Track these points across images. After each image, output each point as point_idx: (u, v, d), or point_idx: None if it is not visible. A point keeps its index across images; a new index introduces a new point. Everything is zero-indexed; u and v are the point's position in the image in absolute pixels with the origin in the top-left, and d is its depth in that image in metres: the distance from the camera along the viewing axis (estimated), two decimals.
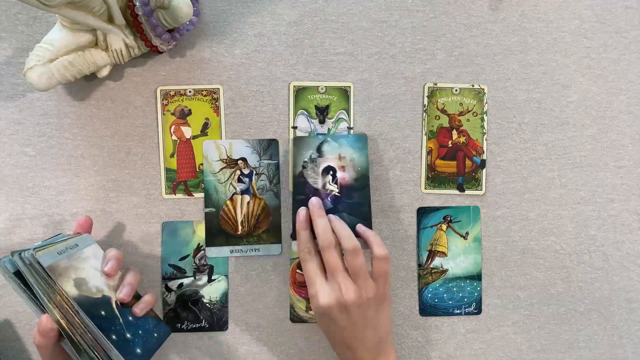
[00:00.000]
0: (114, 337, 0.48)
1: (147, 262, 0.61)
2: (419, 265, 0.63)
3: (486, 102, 0.64)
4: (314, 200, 0.57)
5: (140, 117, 0.62)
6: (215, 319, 0.62)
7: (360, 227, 0.58)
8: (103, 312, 0.49)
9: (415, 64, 0.64)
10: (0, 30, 0.61)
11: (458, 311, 0.63)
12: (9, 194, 0.61)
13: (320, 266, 0.54)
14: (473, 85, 0.64)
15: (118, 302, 0.52)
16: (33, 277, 0.47)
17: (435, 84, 0.63)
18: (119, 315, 0.51)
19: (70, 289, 0.48)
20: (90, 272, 0.51)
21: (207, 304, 0.62)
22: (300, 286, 0.62)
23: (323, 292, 0.52)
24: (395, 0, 0.64)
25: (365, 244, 0.56)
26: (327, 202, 0.62)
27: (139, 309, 0.53)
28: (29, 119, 0.61)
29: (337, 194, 0.62)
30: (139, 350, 0.50)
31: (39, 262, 0.46)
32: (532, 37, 0.64)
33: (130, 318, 0.52)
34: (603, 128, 0.65)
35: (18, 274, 0.47)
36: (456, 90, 0.63)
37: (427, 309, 0.63)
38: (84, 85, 0.61)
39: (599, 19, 0.65)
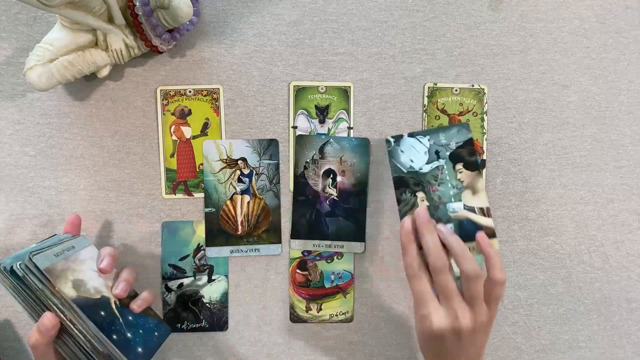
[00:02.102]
0: (114, 336, 0.48)
1: (147, 262, 0.61)
2: None
3: (486, 102, 0.64)
4: (422, 212, 0.51)
5: (140, 117, 0.62)
6: (215, 319, 0.62)
7: (483, 240, 0.51)
8: (102, 313, 0.49)
9: (415, 64, 0.64)
10: (0, 30, 0.61)
11: None
12: (9, 194, 0.61)
13: (431, 285, 0.50)
14: (473, 85, 0.64)
15: (117, 303, 0.52)
16: (30, 280, 0.46)
17: (435, 84, 0.63)
18: (118, 315, 0.51)
19: (68, 291, 0.47)
20: (88, 274, 0.51)
21: (207, 304, 0.62)
22: (300, 286, 0.62)
23: (438, 316, 0.48)
24: (395, 0, 0.64)
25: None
26: (325, 206, 0.62)
27: (137, 305, 0.53)
28: (29, 119, 0.61)
29: (335, 197, 0.62)
30: (140, 350, 0.50)
31: (35, 265, 0.46)
32: (532, 37, 0.64)
33: (130, 318, 0.52)
34: (603, 128, 0.65)
35: (13, 275, 0.47)
36: (456, 90, 0.63)
37: None
38: (84, 85, 0.61)
39: (599, 19, 0.65)
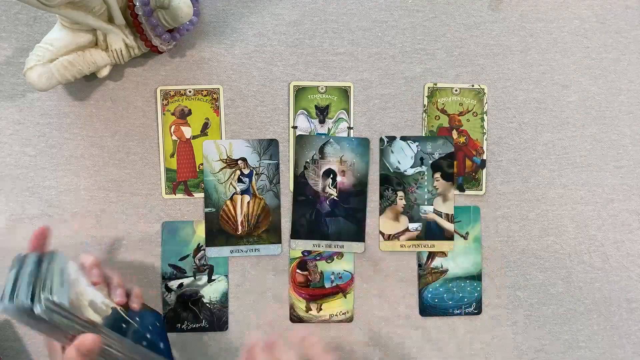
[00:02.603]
0: (144, 343, 0.47)
1: (147, 262, 0.61)
2: (419, 266, 0.63)
3: (486, 102, 0.64)
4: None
5: (140, 117, 0.62)
6: (215, 319, 0.62)
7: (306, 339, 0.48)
8: (123, 325, 0.47)
9: (415, 64, 0.64)
10: (0, 30, 0.61)
11: (458, 311, 0.63)
12: (9, 194, 0.61)
13: None
14: (473, 85, 0.64)
15: (122, 309, 0.49)
16: (57, 319, 0.43)
17: (435, 84, 0.63)
18: (132, 321, 0.49)
19: (93, 316, 0.45)
20: (90, 291, 0.48)
21: (207, 304, 0.62)
22: (300, 286, 0.62)
23: None
24: (395, 0, 0.64)
25: None
26: (325, 206, 0.62)
27: (136, 303, 0.51)
28: (29, 119, 0.61)
29: (335, 197, 0.62)
30: (162, 345, 0.50)
31: (60, 305, 0.43)
32: (532, 37, 0.64)
33: (138, 319, 0.50)
34: (603, 128, 0.65)
35: (33, 316, 0.43)
36: (456, 90, 0.63)
37: (427, 309, 0.63)
38: (84, 85, 0.61)
39: (599, 19, 0.65)
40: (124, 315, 0.49)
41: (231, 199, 0.62)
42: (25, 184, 0.61)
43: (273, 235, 0.62)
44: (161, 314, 0.54)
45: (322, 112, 0.63)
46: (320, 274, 0.62)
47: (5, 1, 0.61)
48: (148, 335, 0.49)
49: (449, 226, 0.62)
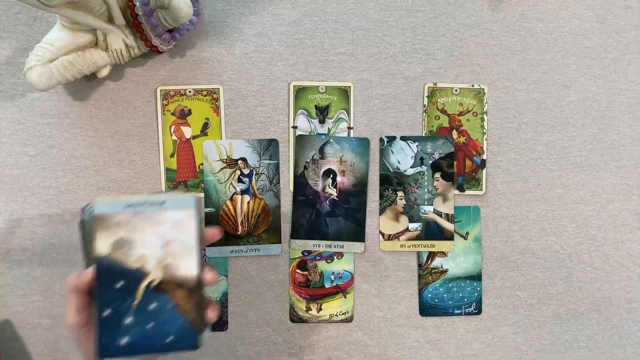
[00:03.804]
0: (108, 311, 0.40)
1: None
2: (419, 266, 0.63)
3: (486, 102, 0.64)
4: None
5: (140, 117, 0.62)
6: None
7: None
8: (121, 283, 0.41)
9: (415, 64, 0.64)
10: (0, 30, 0.61)
11: (458, 311, 0.63)
12: (9, 194, 0.61)
13: None
14: (473, 85, 0.64)
15: (152, 285, 0.41)
16: (84, 225, 0.42)
17: (435, 84, 0.63)
18: (138, 297, 0.41)
19: (101, 245, 0.40)
20: (149, 238, 0.41)
21: None
22: (300, 286, 0.62)
23: None
24: (395, 0, 0.64)
25: None
26: (325, 206, 0.62)
27: (214, 314, 0.43)
28: (29, 119, 0.61)
29: (335, 197, 0.62)
30: (123, 341, 0.41)
31: (93, 210, 0.40)
32: (532, 37, 0.64)
33: (150, 307, 0.42)
34: (603, 128, 0.65)
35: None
36: (456, 90, 0.63)
37: (427, 309, 0.63)
38: (84, 85, 0.61)
39: (599, 19, 0.65)
40: (142, 284, 0.41)
41: (231, 199, 0.62)
42: (25, 184, 0.61)
43: (273, 235, 0.62)
44: (194, 343, 0.43)
45: (322, 112, 0.63)
46: (320, 274, 0.62)
47: (5, 1, 0.61)
48: (125, 320, 0.41)
49: (449, 226, 0.62)
